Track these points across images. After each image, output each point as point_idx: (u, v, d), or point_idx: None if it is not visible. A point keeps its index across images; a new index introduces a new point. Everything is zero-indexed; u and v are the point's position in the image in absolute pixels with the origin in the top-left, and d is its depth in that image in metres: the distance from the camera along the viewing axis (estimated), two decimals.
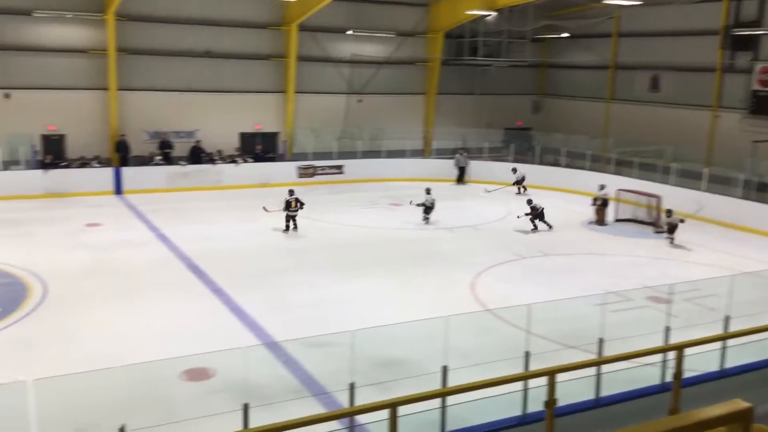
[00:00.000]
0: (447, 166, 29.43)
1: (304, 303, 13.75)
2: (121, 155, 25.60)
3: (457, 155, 29.46)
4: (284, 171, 27.39)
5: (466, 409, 7.37)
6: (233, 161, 27.01)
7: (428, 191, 21.22)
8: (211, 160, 26.71)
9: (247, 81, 28.55)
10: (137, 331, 12.01)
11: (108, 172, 24.73)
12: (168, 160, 26.22)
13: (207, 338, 11.71)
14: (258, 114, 29.10)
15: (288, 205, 19.61)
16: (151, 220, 20.63)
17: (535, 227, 20.49)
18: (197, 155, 26.56)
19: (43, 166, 24.09)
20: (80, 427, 8.05)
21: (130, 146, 25.73)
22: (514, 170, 27.22)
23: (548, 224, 20.62)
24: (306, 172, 27.70)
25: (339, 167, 28.67)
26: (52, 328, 12.02)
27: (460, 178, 29.18)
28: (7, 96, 24.60)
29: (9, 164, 23.85)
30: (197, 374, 10.01)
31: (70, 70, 25.50)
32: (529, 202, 20.96)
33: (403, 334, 11.48)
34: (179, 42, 26.94)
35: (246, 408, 7.05)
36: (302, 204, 19.69)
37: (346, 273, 15.89)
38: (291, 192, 20.12)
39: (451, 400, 7.36)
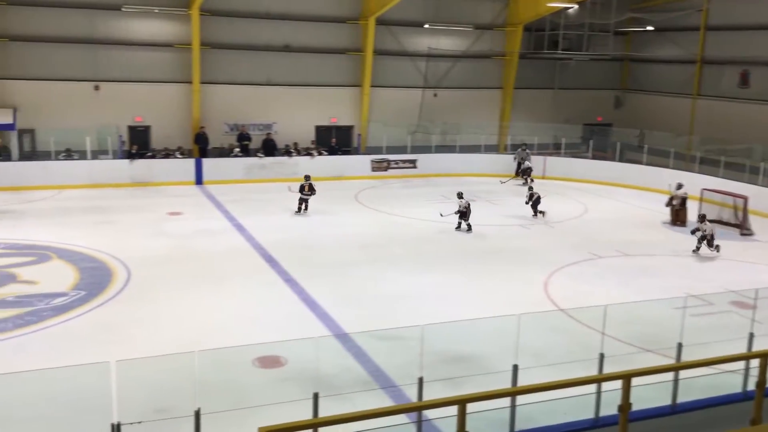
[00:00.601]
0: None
1: (374, 296, 13.82)
2: (200, 147, 26.40)
3: (519, 150, 28.85)
4: (358, 164, 27.60)
5: (537, 409, 7.24)
6: (308, 154, 27.40)
7: (460, 195, 19.76)
8: (287, 152, 27.19)
9: (323, 74, 28.90)
10: (214, 317, 12.36)
11: (190, 163, 25.55)
12: (246, 152, 26.86)
13: (279, 327, 11.96)
14: (334, 107, 29.41)
15: (302, 189, 21.08)
16: (229, 210, 21.19)
17: (536, 213, 21.34)
18: (269, 148, 27.11)
19: (129, 156, 25.11)
20: (158, 408, 8.35)
21: (208, 138, 26.51)
22: (521, 160, 27.17)
23: (542, 212, 21.45)
24: (379, 166, 27.82)
25: (412, 161, 28.66)
26: (134, 312, 12.52)
27: (519, 173, 28.55)
28: (96, 88, 25.76)
29: (97, 154, 24.97)
30: (270, 362, 10.22)
31: (156, 64, 26.46)
32: (531, 188, 22.22)
33: (473, 331, 11.38)
34: (259, 36, 27.52)
35: (316, 397, 7.14)
36: (314, 190, 21.14)
37: (417, 267, 15.88)
38: (307, 177, 21.42)
39: (521, 399, 7.24)
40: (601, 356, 8.25)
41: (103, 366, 6.78)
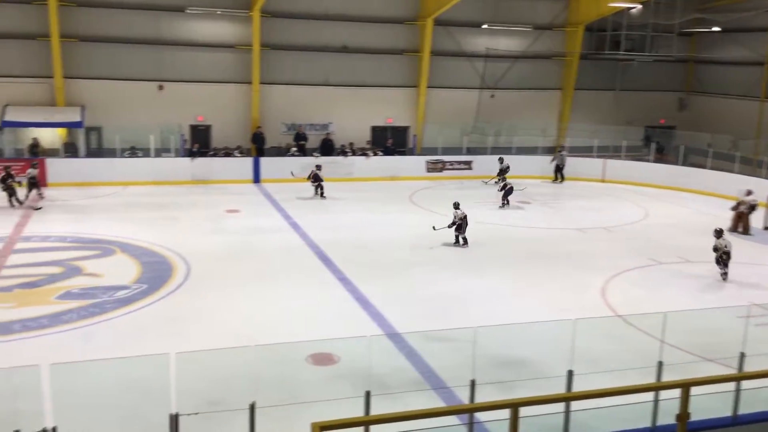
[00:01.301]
0: (578, 164, 28.43)
1: (427, 296, 13.81)
2: (257, 146, 26.87)
3: (557, 152, 28.25)
4: (413, 165, 27.62)
5: (592, 416, 7.12)
6: (364, 154, 27.56)
7: (456, 206, 17.80)
8: (342, 152, 27.41)
9: (380, 75, 29.02)
10: (268, 313, 12.57)
11: (248, 162, 26.03)
12: (302, 151, 27.20)
13: (332, 325, 12.08)
14: (390, 108, 29.50)
15: (309, 176, 23.30)
16: (285, 208, 21.50)
17: (505, 203, 22.65)
18: (328, 147, 27.38)
19: (191, 154, 25.75)
20: (213, 401, 8.54)
21: (265, 138, 26.96)
22: (501, 160, 26.38)
23: (506, 202, 22.71)
24: (435, 167, 27.77)
25: (468, 163, 28.52)
26: (193, 306, 12.84)
27: (558, 176, 27.99)
28: (160, 88, 26.50)
29: (160, 152, 25.69)
30: (322, 359, 10.34)
31: (217, 65, 27.05)
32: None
33: (527, 335, 11.26)
34: (317, 37, 27.83)
35: (368, 395, 7.20)
36: (319, 179, 23.18)
37: (470, 269, 15.79)
38: (318, 167, 23.46)
39: (575, 405, 7.13)
40: (660, 364, 8.06)
41: (163, 357, 6.98)
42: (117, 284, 13.74)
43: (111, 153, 25.34)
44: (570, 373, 7.67)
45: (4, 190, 20.38)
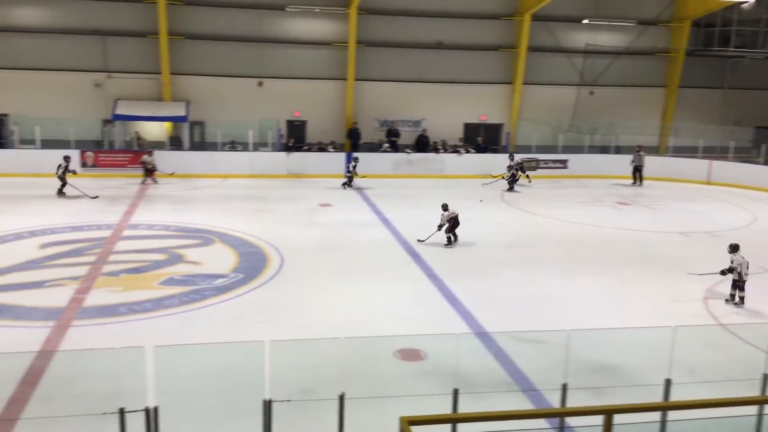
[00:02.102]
0: (681, 165, 27.21)
1: (518, 297, 13.60)
2: (353, 142, 27.25)
3: (635, 153, 26.94)
4: (505, 163, 27.24)
5: (689, 427, 6.80)
6: (456, 151, 27.42)
7: (445, 207, 17.11)
8: (434, 149, 27.38)
9: (474, 72, 28.78)
10: (358, 307, 12.73)
11: (341, 157, 26.45)
12: (395, 147, 27.37)
13: (420, 321, 12.10)
14: (483, 105, 29.22)
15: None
16: (376, 203, 21.71)
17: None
18: (422, 144, 27.41)
19: (287, 149, 26.43)
20: (305, 389, 8.75)
21: (361, 134, 27.30)
22: (511, 156, 25.45)
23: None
24: (528, 165, 27.29)
25: (563, 162, 27.86)
26: (286, 296, 13.18)
27: (637, 178, 26.66)
28: (260, 84, 27.34)
29: (258, 146, 26.52)
30: (410, 354, 10.37)
31: (314, 61, 27.62)
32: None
33: (622, 340, 10.88)
34: (412, 34, 27.91)
35: (456, 393, 7.17)
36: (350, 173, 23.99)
37: (564, 270, 15.42)
38: (355, 159, 24.16)
39: (672, 415, 6.85)
40: (765, 377, 7.61)
41: (257, 345, 7.20)
42: (216, 272, 14.29)
43: (212, 147, 26.41)
44: (668, 382, 7.37)
45: (60, 179, 21.23)
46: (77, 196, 20.95)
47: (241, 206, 20.75)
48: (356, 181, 24.17)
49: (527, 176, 25.35)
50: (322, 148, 27.08)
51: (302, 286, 13.73)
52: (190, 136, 26.82)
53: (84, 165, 24.57)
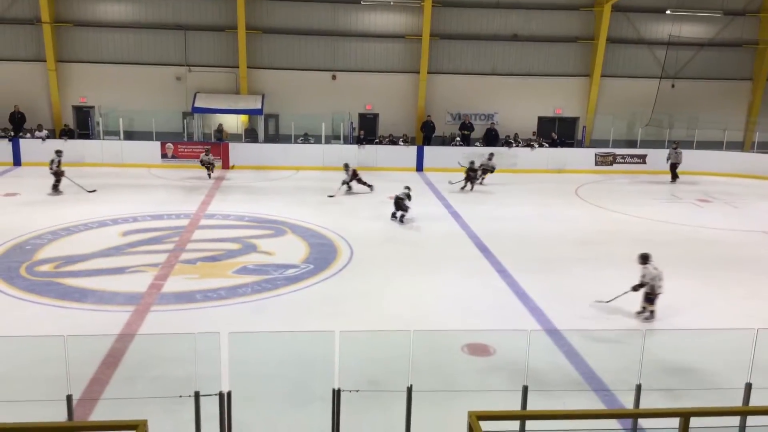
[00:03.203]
0: (766, 161, 25.94)
1: (591, 294, 13.26)
2: (426, 135, 27.19)
3: (672, 149, 25.60)
4: (581, 157, 26.65)
5: None
6: (529, 145, 26.97)
7: (407, 192, 18.43)
8: (506, 143, 27.00)
9: (550, 64, 28.23)
10: (426, 300, 12.71)
11: (412, 150, 26.44)
12: (466, 141, 27.15)
13: (489, 316, 11.97)
14: (559, 98, 28.64)
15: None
16: (446, 197, 21.59)
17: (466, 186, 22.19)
18: (491, 138, 27.10)
19: (358, 141, 26.62)
20: (372, 380, 8.81)
21: (435, 127, 27.22)
22: (491, 157, 23.80)
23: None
24: (604, 160, 26.58)
25: (642, 157, 27.00)
26: (355, 288, 13.30)
27: (674, 175, 25.39)
28: (334, 77, 27.62)
29: (330, 139, 26.83)
30: (479, 349, 10.29)
31: (387, 54, 27.70)
32: (472, 163, 22.50)
33: (701, 342, 10.47)
34: (487, 26, 27.59)
35: (525, 390, 7.07)
36: (349, 177, 21.82)
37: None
38: (346, 166, 22.23)
39: (751, 420, 6.55)
40: None
41: (328, 334, 7.29)
42: (287, 263, 14.55)
43: (286, 139, 26.89)
44: (748, 386, 7.05)
45: (56, 175, 20.42)
46: (78, 192, 20.53)
47: (313, 198, 21.04)
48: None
49: (482, 178, 23.42)
50: (393, 141, 27.14)
51: (371, 278, 13.81)
52: (265, 128, 27.37)
53: (164, 156, 25.45)
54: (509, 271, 14.41)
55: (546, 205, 20.88)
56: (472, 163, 22.76)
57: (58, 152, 20.75)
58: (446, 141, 27.41)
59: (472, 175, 22.45)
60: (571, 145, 28.07)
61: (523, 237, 17.31)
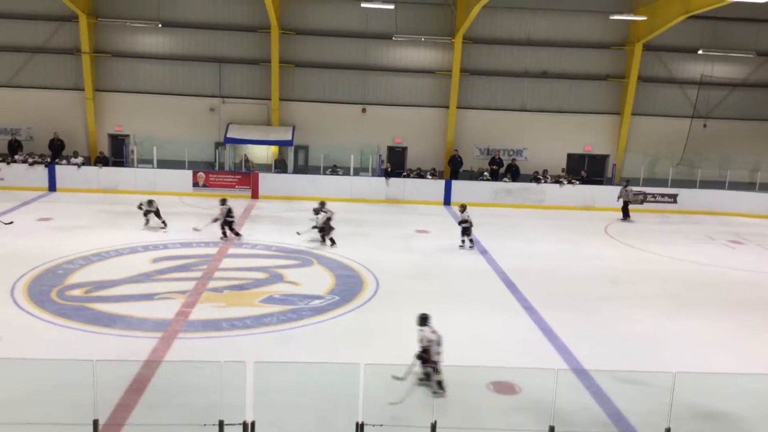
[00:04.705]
0: None
1: (619, 334, 13.08)
2: (453, 169, 27.26)
3: (621, 188, 25.17)
4: (609, 195, 26.38)
5: None
6: (558, 182, 26.87)
7: (321, 206, 19.37)
8: (534, 179, 26.94)
9: (580, 101, 28.25)
10: (451, 335, 12.53)
11: (440, 184, 26.49)
12: (495, 176, 27.16)
13: (515, 353, 11.85)
14: (588, 135, 28.58)
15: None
16: (473, 232, 21.50)
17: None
18: (513, 173, 27.09)
19: (386, 174, 26.77)
20: (395, 414, 8.74)
21: (462, 161, 27.28)
22: (322, 204, 19.89)
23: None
24: (635, 199, 26.32)
25: (672, 196, 26.71)
26: (380, 320, 13.27)
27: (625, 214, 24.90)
28: (363, 111, 27.93)
29: (359, 171, 27.02)
30: (504, 387, 10.17)
31: (417, 89, 27.97)
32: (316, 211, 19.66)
33: (732, 387, 10.22)
34: (517, 62, 27.77)
35: (551, 431, 6.96)
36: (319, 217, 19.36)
37: (669, 309, 14.71)
38: (321, 204, 19.72)
39: None
40: None
41: (353, 367, 7.28)
42: (313, 293, 14.59)
43: (315, 170, 27.14)
44: None
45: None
46: (113, 218, 20.93)
47: (340, 230, 21.07)
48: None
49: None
50: (420, 174, 27.24)
51: (396, 312, 13.77)
52: (295, 159, 27.69)
53: (195, 185, 25.82)
54: (536, 308, 14.28)
55: (574, 242, 20.72)
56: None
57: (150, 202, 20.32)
58: (474, 175, 27.43)
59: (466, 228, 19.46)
60: (600, 183, 27.89)
61: (551, 274, 17.17)
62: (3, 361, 9.65)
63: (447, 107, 27.73)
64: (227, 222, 18.96)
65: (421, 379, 10.01)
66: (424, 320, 10.58)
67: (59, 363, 9.53)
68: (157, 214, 20.33)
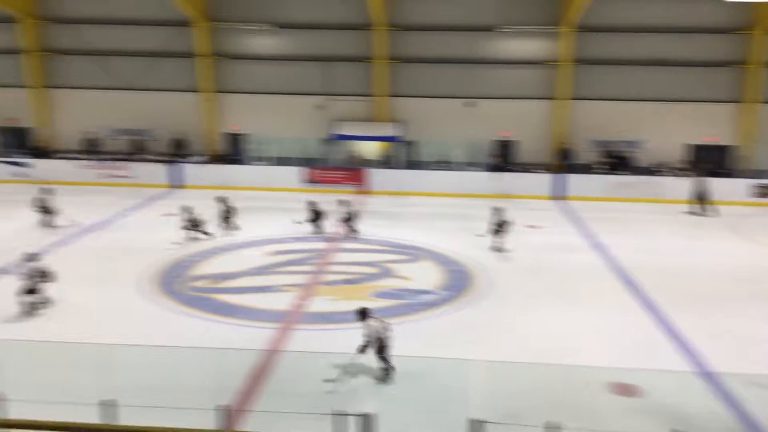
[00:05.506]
0: None
1: (751, 336, 12.28)
2: (565, 162, 26.53)
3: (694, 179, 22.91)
4: (733, 188, 24.87)
5: None
6: (676, 174, 25.57)
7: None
8: (651, 171, 25.78)
9: (699, 89, 26.75)
10: (566, 333, 12.29)
11: (548, 178, 25.86)
12: (612, 169, 26.23)
13: (634, 354, 11.39)
14: (708, 125, 27.02)
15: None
16: (589, 227, 20.88)
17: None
18: (627, 165, 26.02)
19: (495, 168, 26.42)
20: (509, 413, 8.62)
21: (574, 154, 26.51)
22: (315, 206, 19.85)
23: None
24: (762, 192, 24.64)
25: None
26: (490, 317, 13.13)
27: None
28: (471, 104, 27.69)
29: (466, 165, 26.83)
30: (623, 389, 9.79)
31: (524, 81, 27.41)
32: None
33: None
34: (630, 50, 26.64)
35: None
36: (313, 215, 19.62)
37: None
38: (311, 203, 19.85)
39: None
40: None
41: (465, 363, 7.24)
42: (423, 288, 14.65)
43: (425, 165, 27.20)
44: None
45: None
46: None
47: (448, 224, 21.07)
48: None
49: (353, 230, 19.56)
50: (528, 168, 26.69)
51: (508, 308, 13.59)
52: (404, 154, 27.87)
53: (305, 181, 26.54)
54: (658, 307, 13.67)
55: (695, 238, 19.67)
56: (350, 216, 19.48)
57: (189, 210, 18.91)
58: (588, 169, 26.56)
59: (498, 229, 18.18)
60: (723, 175, 26.28)
61: (671, 271, 16.37)
62: (137, 348, 10.31)
63: (556, 98, 27.02)
64: (346, 219, 19.34)
65: (384, 376, 9.74)
66: (363, 315, 10.09)
67: (186, 350, 10.07)
68: (195, 224, 18.74)
